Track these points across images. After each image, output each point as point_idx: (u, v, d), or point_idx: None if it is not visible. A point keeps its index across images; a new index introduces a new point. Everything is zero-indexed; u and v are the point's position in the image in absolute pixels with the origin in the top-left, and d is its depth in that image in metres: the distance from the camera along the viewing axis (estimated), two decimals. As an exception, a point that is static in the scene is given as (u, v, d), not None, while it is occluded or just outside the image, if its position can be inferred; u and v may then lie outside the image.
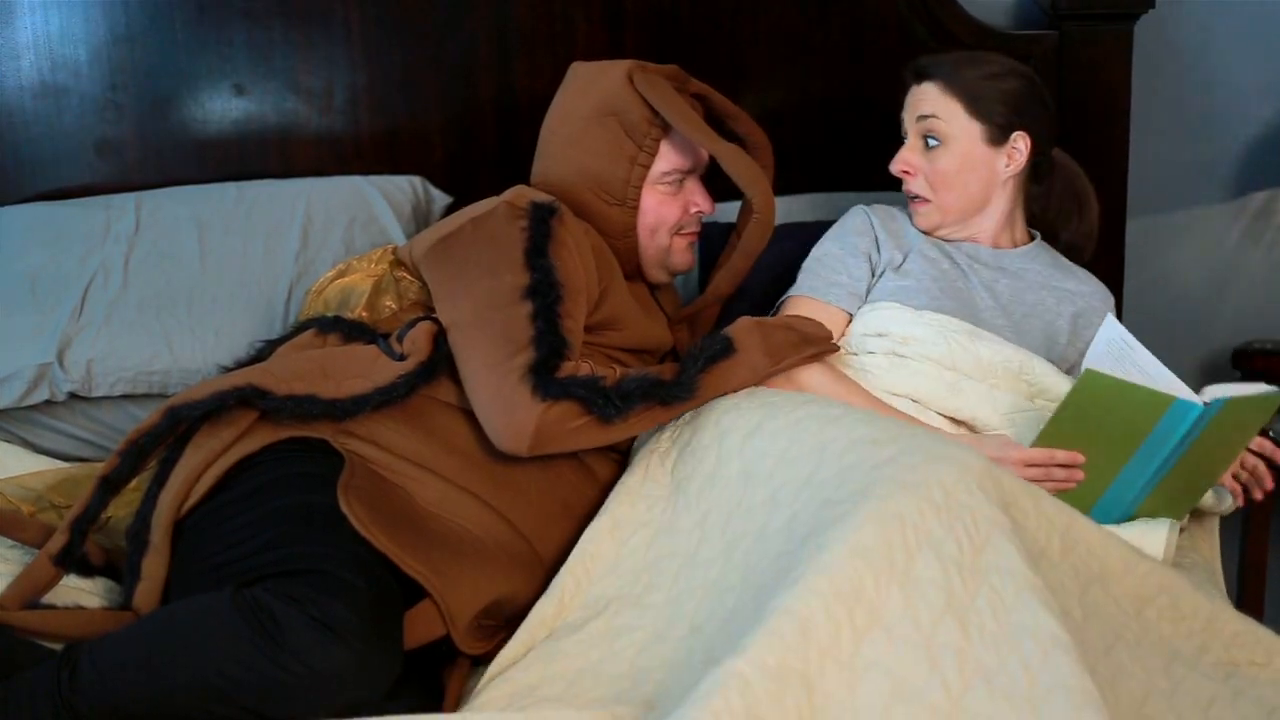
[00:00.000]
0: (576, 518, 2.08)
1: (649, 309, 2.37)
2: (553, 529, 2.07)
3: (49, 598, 1.99)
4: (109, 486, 2.01)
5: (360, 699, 1.73)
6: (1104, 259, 2.86)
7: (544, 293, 2.07)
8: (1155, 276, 3.09)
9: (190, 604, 1.81)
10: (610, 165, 2.28)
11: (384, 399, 2.04)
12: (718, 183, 2.39)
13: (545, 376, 2.00)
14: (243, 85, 2.74)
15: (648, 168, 2.29)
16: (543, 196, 2.21)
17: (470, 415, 2.06)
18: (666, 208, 2.32)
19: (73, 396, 2.43)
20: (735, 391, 2.10)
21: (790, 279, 2.45)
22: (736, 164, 2.27)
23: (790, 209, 2.73)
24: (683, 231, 2.35)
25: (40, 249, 2.55)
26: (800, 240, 2.52)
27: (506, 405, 2.00)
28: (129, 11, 2.68)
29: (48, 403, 2.43)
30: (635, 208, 2.29)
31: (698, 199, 2.34)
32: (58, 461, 2.42)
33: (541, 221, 2.14)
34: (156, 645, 1.76)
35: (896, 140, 2.45)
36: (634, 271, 2.36)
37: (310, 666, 1.69)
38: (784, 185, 2.77)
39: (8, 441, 2.44)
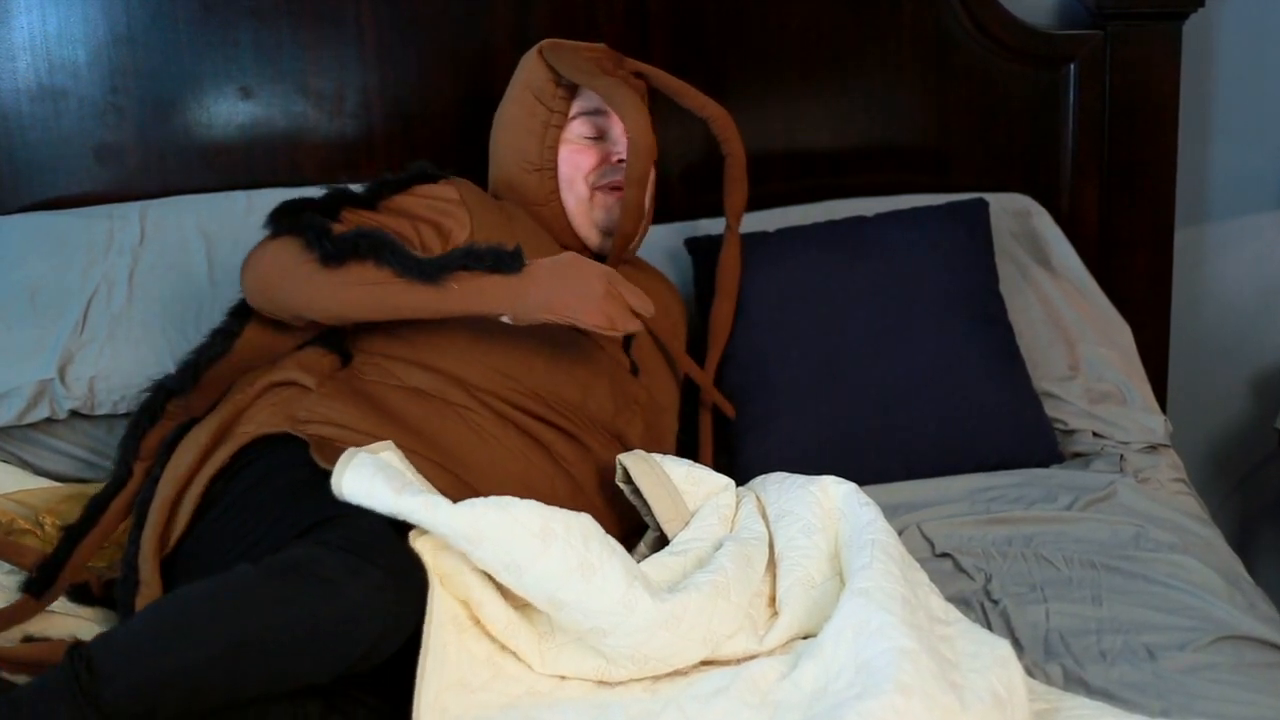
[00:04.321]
0: (541, 498, 2.00)
1: None
2: None
3: (45, 629, 1.95)
4: (72, 536, 2.05)
5: (391, 634, 1.67)
6: (1152, 269, 2.84)
7: (352, 197, 2.18)
8: (1204, 288, 3.04)
9: (211, 578, 1.72)
10: (527, 136, 2.33)
11: (242, 311, 2.16)
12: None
13: (280, 214, 2.11)
14: (249, 88, 2.67)
15: (561, 128, 2.33)
16: (435, 167, 2.31)
17: (421, 395, 2.07)
18: (581, 156, 2.34)
19: (74, 414, 2.38)
20: (491, 312, 2.04)
21: (804, 290, 2.41)
22: (614, 96, 2.26)
23: (811, 215, 2.67)
24: (602, 185, 2.33)
25: (40, 260, 2.50)
26: (816, 250, 2.49)
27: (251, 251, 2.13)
28: (130, 11, 2.61)
29: (48, 421, 2.38)
30: (554, 171, 2.32)
31: (619, 148, 2.33)
32: (57, 483, 2.36)
33: (412, 174, 2.26)
34: (183, 616, 1.67)
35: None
36: (578, 245, 2.35)
37: (343, 593, 1.64)
38: (811, 192, 2.73)
39: (5, 461, 2.38)
